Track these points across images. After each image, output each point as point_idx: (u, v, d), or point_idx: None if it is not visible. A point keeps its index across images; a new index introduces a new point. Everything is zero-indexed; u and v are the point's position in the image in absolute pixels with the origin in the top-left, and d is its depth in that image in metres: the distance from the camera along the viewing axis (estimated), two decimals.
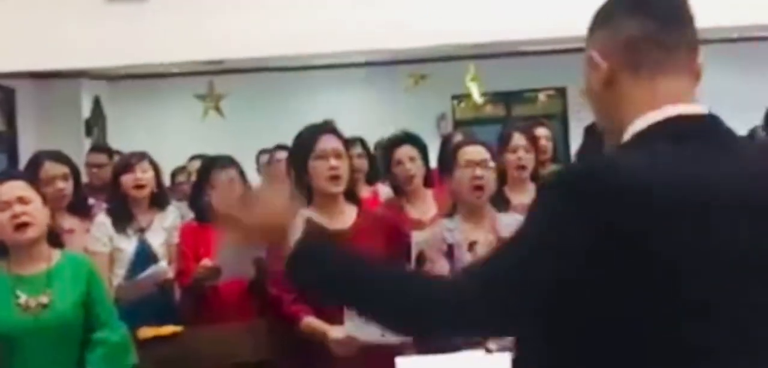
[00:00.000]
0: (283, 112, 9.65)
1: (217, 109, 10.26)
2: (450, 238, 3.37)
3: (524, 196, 4.07)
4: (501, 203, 3.59)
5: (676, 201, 1.27)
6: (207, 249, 3.86)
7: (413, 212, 4.23)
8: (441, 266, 3.32)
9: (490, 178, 3.42)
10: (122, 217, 4.17)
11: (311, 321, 3.08)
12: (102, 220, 4.18)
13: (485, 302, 1.29)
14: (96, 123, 10.27)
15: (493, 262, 1.37)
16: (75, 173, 4.29)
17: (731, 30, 8.46)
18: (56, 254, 3.16)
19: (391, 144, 4.52)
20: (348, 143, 3.44)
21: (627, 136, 1.39)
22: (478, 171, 3.38)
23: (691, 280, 1.26)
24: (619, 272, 1.25)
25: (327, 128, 3.37)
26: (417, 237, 3.59)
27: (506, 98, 11.77)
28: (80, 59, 7.45)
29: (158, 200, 4.32)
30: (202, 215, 4.04)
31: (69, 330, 3.07)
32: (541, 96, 11.93)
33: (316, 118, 3.65)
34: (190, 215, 4.27)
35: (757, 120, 6.07)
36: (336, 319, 3.00)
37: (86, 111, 10.09)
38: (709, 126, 1.39)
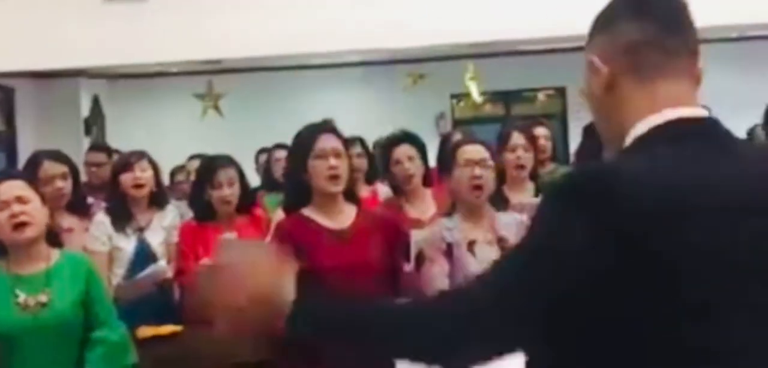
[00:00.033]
0: (282, 111, 9.65)
1: (216, 108, 10.27)
2: (449, 237, 3.37)
3: (523, 195, 4.08)
4: (500, 202, 3.59)
5: (677, 202, 1.28)
6: (206, 248, 3.86)
7: (412, 211, 4.23)
8: (440, 265, 3.32)
9: (489, 177, 3.42)
10: (121, 216, 4.17)
11: None
12: (101, 219, 4.18)
13: (498, 310, 1.29)
14: (95, 122, 10.28)
15: (501, 270, 1.37)
16: (74, 172, 4.29)
17: (731, 29, 8.48)
18: (55, 254, 3.16)
19: (390, 143, 4.52)
20: (347, 142, 3.43)
21: (628, 140, 1.39)
22: (477, 170, 3.38)
23: (691, 281, 1.26)
24: (620, 274, 1.25)
25: (326, 127, 3.36)
26: (416, 236, 3.60)
27: (505, 97, 11.77)
28: (79, 59, 7.46)
29: (157, 200, 4.32)
30: (202, 214, 4.04)
31: (68, 329, 3.07)
32: (540, 95, 11.94)
33: (315, 117, 3.65)
34: (190, 214, 4.26)
35: (757, 119, 6.07)
36: None
37: (85, 110, 10.10)
38: (709, 128, 1.39)
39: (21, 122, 9.28)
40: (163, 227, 4.24)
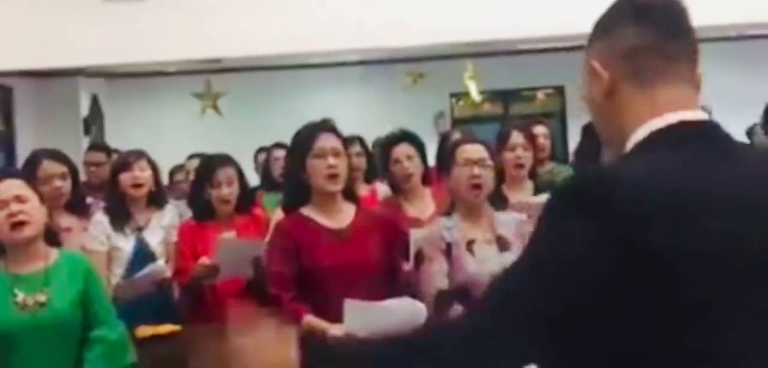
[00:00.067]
0: (281, 110, 9.65)
1: (215, 107, 10.26)
2: (448, 236, 3.36)
3: (522, 194, 4.08)
4: (499, 201, 3.59)
5: (677, 205, 1.28)
6: (205, 248, 3.86)
7: (411, 210, 4.23)
8: (439, 265, 3.32)
9: (488, 176, 3.42)
10: (120, 216, 4.17)
11: (311, 320, 3.07)
12: (99, 219, 4.17)
13: (507, 327, 1.30)
14: (94, 122, 10.27)
15: (506, 284, 1.37)
16: (73, 171, 4.28)
17: (730, 28, 8.48)
18: (54, 253, 3.16)
19: (389, 142, 4.51)
20: (346, 141, 3.44)
21: (629, 145, 1.39)
22: (476, 170, 3.38)
23: (691, 282, 1.26)
24: (621, 276, 1.25)
25: (325, 126, 3.36)
26: (415, 235, 3.60)
27: (504, 96, 11.78)
28: (78, 58, 7.45)
29: (156, 199, 4.32)
30: (201, 213, 4.04)
31: (67, 328, 3.07)
32: (540, 94, 11.94)
33: (314, 116, 3.65)
34: (188, 213, 4.26)
35: (756, 118, 6.09)
36: (336, 318, 2.99)
37: (84, 110, 10.10)
38: (709, 132, 1.40)
39: (20, 122, 9.27)
40: (161, 227, 4.24)
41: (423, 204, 4.27)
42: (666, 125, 1.38)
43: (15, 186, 3.08)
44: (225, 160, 4.11)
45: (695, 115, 1.40)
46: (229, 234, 3.90)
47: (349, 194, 3.36)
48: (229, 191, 4.00)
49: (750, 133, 6.98)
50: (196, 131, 9.47)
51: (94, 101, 10.39)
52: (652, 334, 1.26)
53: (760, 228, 1.31)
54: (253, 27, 6.96)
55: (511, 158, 4.19)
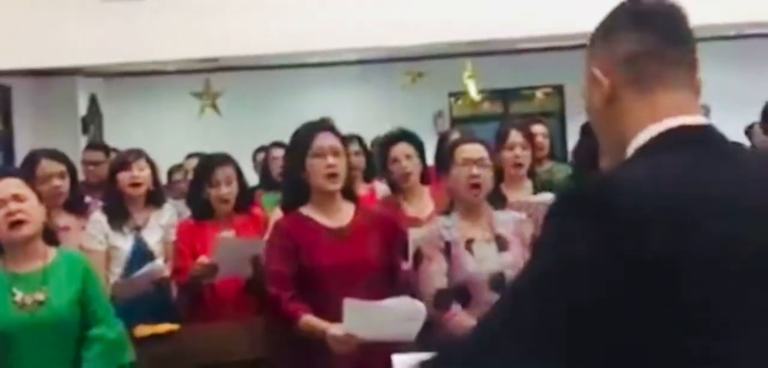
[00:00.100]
0: (279, 109, 9.65)
1: (214, 106, 10.26)
2: (447, 235, 3.36)
3: (521, 193, 4.08)
4: (498, 200, 3.58)
5: (677, 208, 1.28)
6: (204, 247, 3.86)
7: (410, 209, 4.22)
8: (438, 264, 3.32)
9: (487, 176, 3.42)
10: (118, 215, 4.16)
11: (310, 319, 3.08)
12: (98, 218, 4.17)
13: (513, 339, 1.30)
14: (92, 121, 10.27)
15: (512, 296, 1.38)
16: (71, 170, 4.28)
17: (729, 27, 8.48)
18: (52, 252, 3.16)
19: (388, 142, 4.51)
20: (345, 140, 3.43)
21: (630, 151, 1.40)
22: (475, 169, 3.38)
23: (691, 284, 1.26)
24: (621, 278, 1.25)
25: (324, 125, 3.36)
26: (414, 235, 3.60)
27: (503, 96, 11.77)
28: (77, 57, 7.45)
29: (155, 198, 4.31)
30: (200, 212, 4.04)
31: (65, 327, 3.07)
32: (539, 93, 11.94)
33: (313, 115, 3.64)
34: (187, 212, 4.26)
35: (755, 117, 6.08)
36: (335, 317, 2.99)
37: (83, 109, 10.09)
38: (709, 136, 1.40)
39: (18, 121, 9.26)
40: (160, 226, 4.23)
41: (422, 203, 4.27)
42: (666, 130, 1.38)
43: (13, 185, 3.08)
44: (224, 159, 4.11)
45: (695, 119, 1.41)
46: (228, 233, 3.90)
47: (348, 194, 3.36)
48: (228, 190, 4.00)
49: (749, 132, 6.98)
50: (194, 131, 9.47)
51: (93, 101, 10.38)
52: (652, 335, 1.26)
53: (759, 230, 1.32)
54: (252, 26, 6.96)
55: (509, 157, 4.19)
